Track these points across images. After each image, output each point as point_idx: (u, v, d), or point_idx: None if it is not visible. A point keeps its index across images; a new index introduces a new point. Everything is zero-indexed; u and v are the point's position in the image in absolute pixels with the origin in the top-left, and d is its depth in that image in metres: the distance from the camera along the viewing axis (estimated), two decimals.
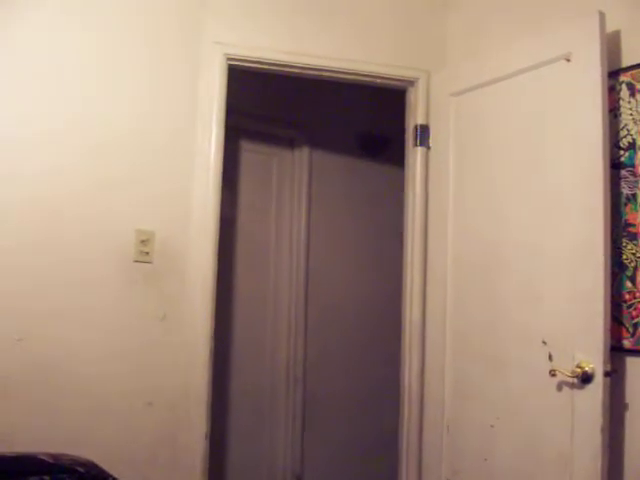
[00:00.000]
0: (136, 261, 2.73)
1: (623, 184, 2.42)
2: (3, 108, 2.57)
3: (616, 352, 2.34)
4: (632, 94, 2.41)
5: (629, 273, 2.37)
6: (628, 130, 2.41)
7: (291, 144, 4.31)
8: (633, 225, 2.37)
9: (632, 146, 2.40)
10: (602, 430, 2.22)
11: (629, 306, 2.36)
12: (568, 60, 2.47)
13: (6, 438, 2.35)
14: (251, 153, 4.20)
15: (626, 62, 2.45)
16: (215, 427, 2.95)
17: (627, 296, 2.37)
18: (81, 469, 1.90)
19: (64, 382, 2.60)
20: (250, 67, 3.01)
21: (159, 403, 2.75)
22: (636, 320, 2.33)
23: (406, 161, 3.20)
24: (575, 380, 2.31)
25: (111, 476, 1.91)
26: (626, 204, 2.40)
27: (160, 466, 2.73)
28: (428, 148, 3.11)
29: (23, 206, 2.58)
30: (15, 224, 2.57)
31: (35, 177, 2.60)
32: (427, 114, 3.13)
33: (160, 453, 2.74)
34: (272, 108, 4.01)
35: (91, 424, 2.62)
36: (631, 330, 2.34)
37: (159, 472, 2.71)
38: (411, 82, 3.17)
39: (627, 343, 2.35)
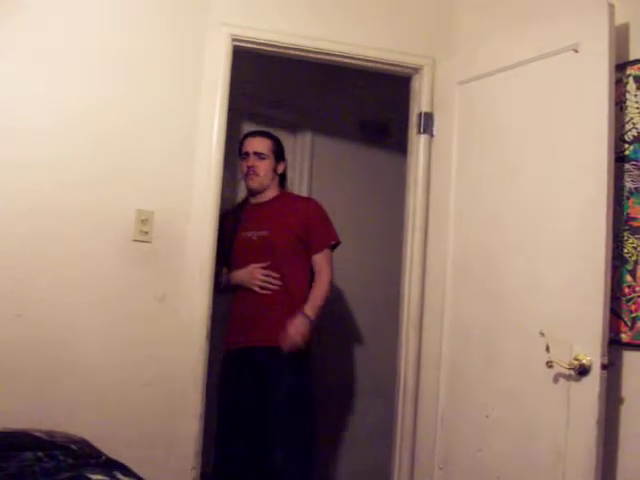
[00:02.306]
0: (135, 240, 2.73)
1: (627, 177, 2.40)
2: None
3: (614, 345, 2.33)
4: (639, 87, 2.39)
5: (629, 267, 2.37)
6: (634, 123, 2.40)
7: (293, 129, 4.29)
8: (635, 219, 2.36)
9: (637, 139, 2.38)
10: (597, 423, 2.21)
11: (628, 300, 2.35)
12: (576, 51, 2.44)
13: (1, 415, 2.34)
14: None
15: (634, 55, 2.43)
16: (209, 411, 2.96)
17: (627, 290, 2.36)
18: (74, 446, 1.92)
19: (61, 360, 2.61)
20: (255, 49, 2.99)
21: (156, 383, 2.75)
22: (635, 314, 2.33)
23: (409, 148, 3.18)
24: (572, 372, 2.30)
25: (104, 454, 1.92)
26: (629, 198, 2.39)
27: (155, 446, 2.73)
28: (432, 136, 3.09)
29: (25, 180, 2.59)
30: (15, 197, 2.57)
31: (40, 156, 2.61)
32: (432, 102, 3.11)
33: (156, 433, 2.74)
34: (275, 92, 3.98)
35: (88, 402, 2.63)
36: (629, 324, 2.34)
37: (154, 452, 2.71)
38: (416, 69, 3.14)
39: (625, 337, 2.35)
